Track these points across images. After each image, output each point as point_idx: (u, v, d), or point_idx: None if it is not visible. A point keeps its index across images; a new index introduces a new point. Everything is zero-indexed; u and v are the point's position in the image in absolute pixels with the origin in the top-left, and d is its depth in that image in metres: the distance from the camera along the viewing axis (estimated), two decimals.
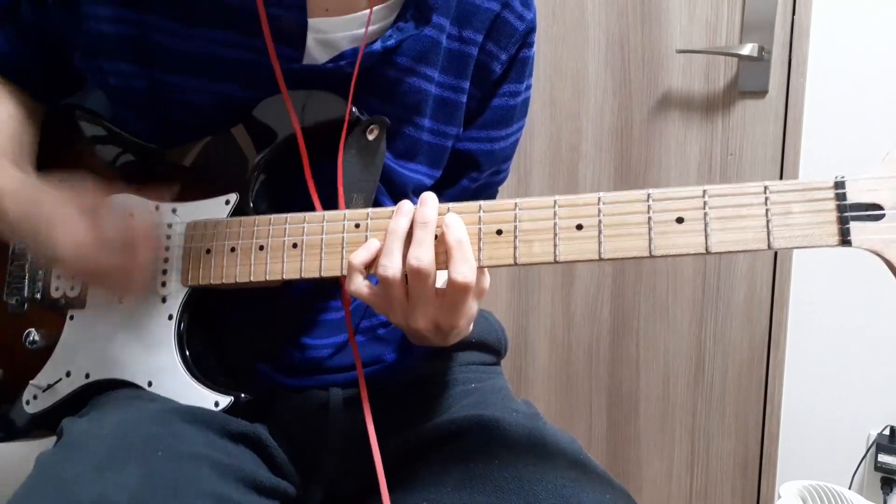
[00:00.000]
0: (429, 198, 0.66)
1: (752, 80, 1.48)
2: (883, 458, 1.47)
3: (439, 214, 0.65)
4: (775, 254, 1.51)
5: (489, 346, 0.91)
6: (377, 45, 0.75)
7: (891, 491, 1.48)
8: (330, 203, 0.74)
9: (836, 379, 1.51)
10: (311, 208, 0.73)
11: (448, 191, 0.87)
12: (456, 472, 0.70)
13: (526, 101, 0.89)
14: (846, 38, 1.44)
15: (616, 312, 1.66)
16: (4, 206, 0.74)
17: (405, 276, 0.65)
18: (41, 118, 0.85)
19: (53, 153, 0.85)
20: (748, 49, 1.43)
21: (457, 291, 0.64)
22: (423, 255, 0.64)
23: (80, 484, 0.60)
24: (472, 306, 0.67)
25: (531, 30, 0.84)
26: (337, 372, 0.81)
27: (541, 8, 0.86)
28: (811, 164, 1.48)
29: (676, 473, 1.64)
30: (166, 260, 0.76)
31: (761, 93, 1.48)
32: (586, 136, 1.63)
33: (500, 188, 0.96)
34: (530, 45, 0.85)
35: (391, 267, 0.64)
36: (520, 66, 0.85)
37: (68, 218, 0.71)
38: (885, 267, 0.57)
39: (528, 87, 0.88)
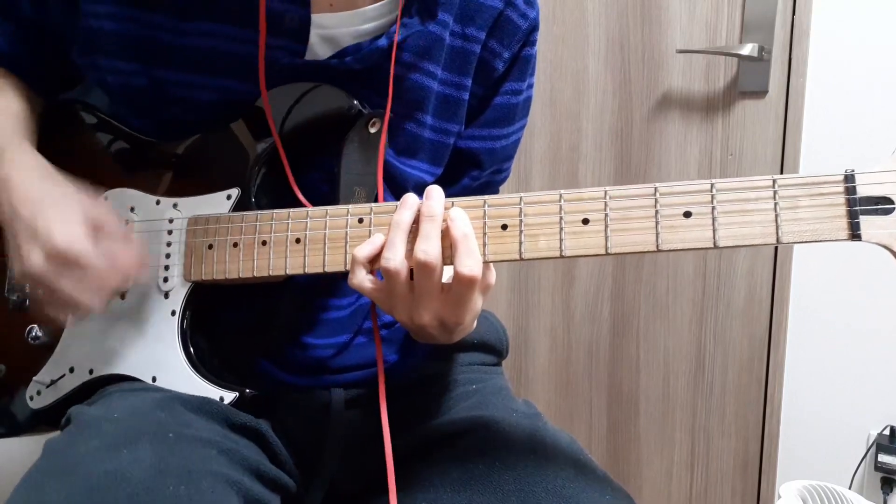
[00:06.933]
0: (434, 191, 0.66)
1: (752, 80, 1.48)
2: (883, 458, 1.47)
3: (444, 209, 0.65)
4: (775, 254, 1.51)
5: (490, 347, 0.90)
6: (383, 41, 0.75)
7: (891, 491, 1.48)
8: (331, 198, 0.74)
9: (836, 379, 1.51)
10: (314, 203, 0.72)
11: (450, 189, 0.86)
12: (456, 473, 0.70)
13: (528, 100, 0.89)
14: (846, 38, 1.44)
15: (616, 312, 1.65)
16: (16, 182, 0.72)
17: (410, 270, 0.65)
18: (41, 112, 0.84)
19: (52, 147, 0.84)
20: (748, 49, 1.43)
21: (462, 285, 0.63)
22: (430, 248, 0.63)
23: (95, 460, 0.60)
24: (478, 301, 0.67)
25: (534, 28, 0.84)
26: (339, 372, 0.81)
27: (541, 8, 0.86)
28: (811, 164, 1.48)
29: (676, 473, 1.64)
30: (168, 255, 0.76)
31: (761, 93, 1.48)
32: (586, 136, 1.63)
33: (501, 188, 0.96)
34: (533, 43, 0.85)
35: (394, 259, 0.64)
36: (522, 65, 0.84)
37: (72, 224, 0.68)
38: (888, 265, 0.57)
39: (531, 86, 0.88)
